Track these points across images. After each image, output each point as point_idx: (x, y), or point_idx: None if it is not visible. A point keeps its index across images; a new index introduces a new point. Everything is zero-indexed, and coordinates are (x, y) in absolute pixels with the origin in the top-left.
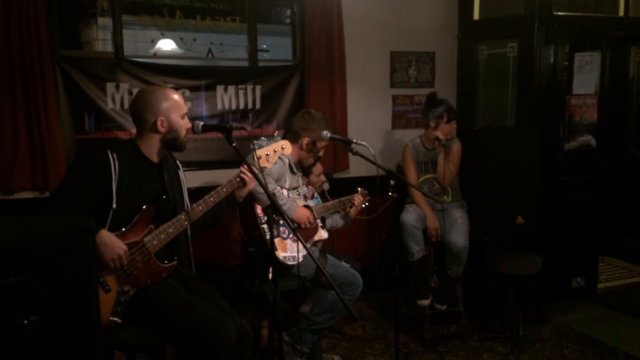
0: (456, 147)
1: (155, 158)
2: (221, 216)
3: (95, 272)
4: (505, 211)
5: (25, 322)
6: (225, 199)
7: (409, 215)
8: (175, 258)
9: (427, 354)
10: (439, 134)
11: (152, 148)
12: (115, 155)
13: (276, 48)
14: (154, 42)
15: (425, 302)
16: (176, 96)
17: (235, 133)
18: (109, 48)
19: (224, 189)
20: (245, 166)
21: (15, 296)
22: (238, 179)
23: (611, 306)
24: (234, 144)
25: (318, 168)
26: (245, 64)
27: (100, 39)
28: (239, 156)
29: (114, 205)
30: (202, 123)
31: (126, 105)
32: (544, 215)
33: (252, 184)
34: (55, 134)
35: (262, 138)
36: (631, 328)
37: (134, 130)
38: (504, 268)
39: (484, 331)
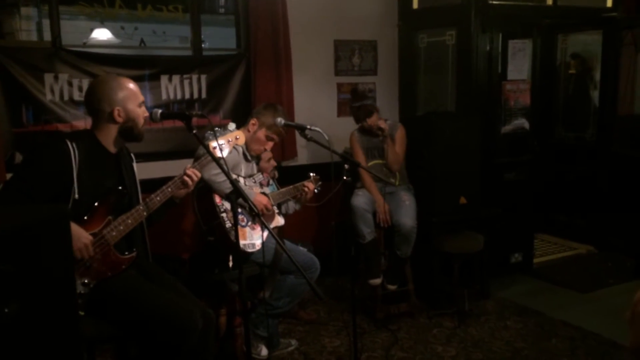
0: (399, 133)
1: (113, 148)
2: (157, 217)
3: (72, 258)
4: (449, 192)
5: (5, 310)
6: None
7: (359, 199)
8: (134, 249)
9: (380, 332)
10: (381, 124)
11: (109, 138)
12: (74, 145)
13: (214, 38)
14: (92, 31)
15: (377, 281)
16: (131, 85)
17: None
18: (34, 38)
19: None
20: (190, 168)
21: None
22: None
23: (546, 279)
24: (194, 132)
25: (267, 154)
26: (189, 53)
27: (24, 29)
28: (201, 144)
29: (76, 196)
30: (160, 111)
31: (66, 97)
32: (485, 195)
33: (191, 187)
34: None
35: (216, 128)
36: (565, 298)
37: (75, 123)
38: (449, 247)
39: (433, 308)
